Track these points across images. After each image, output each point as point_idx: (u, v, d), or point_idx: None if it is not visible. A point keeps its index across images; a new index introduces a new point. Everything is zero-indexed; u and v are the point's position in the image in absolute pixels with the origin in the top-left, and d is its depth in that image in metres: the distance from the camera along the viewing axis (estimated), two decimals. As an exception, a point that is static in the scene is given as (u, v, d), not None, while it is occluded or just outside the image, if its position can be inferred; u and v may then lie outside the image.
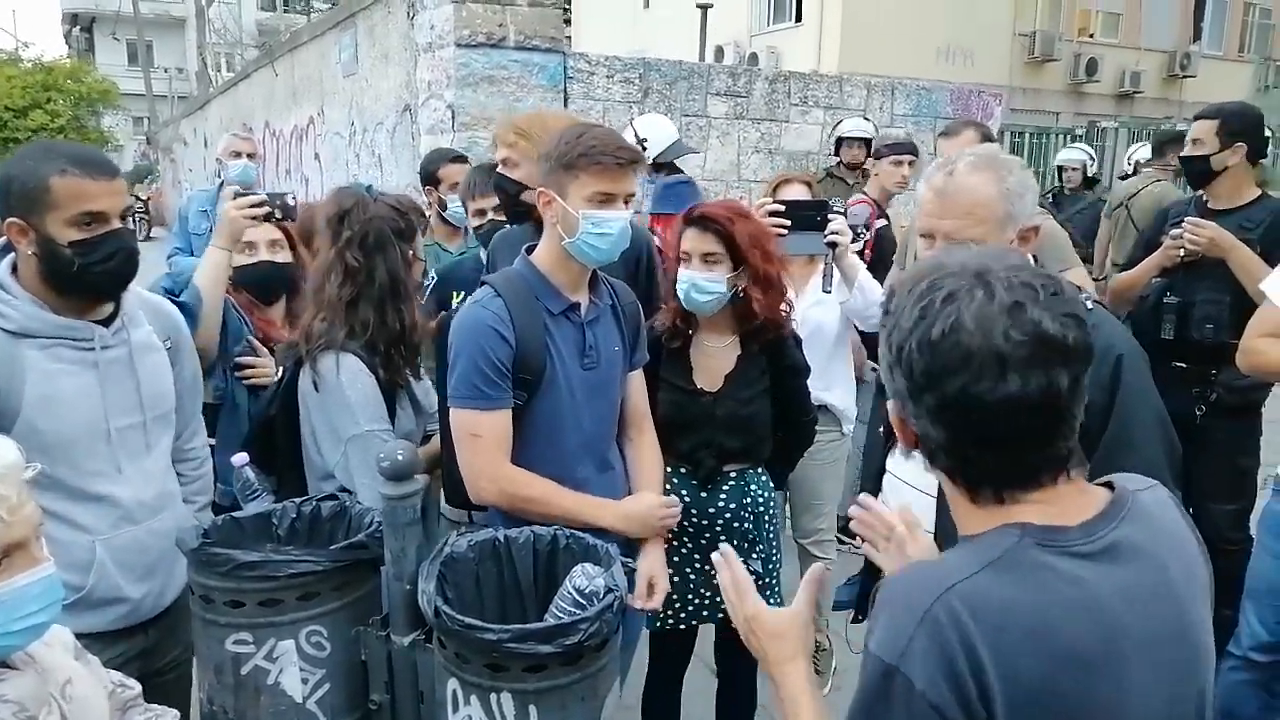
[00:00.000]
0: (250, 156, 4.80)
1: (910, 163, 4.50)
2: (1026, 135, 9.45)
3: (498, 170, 2.51)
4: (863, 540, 1.51)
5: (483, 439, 1.92)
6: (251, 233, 2.52)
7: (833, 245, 2.67)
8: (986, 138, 3.36)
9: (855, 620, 2.16)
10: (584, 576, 1.63)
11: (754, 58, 17.47)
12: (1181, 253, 3.06)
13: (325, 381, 2.06)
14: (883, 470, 1.92)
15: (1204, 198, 3.25)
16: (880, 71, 7.14)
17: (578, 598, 1.61)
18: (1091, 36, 19.52)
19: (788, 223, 2.63)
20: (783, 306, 2.34)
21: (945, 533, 1.70)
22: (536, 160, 2.19)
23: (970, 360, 0.92)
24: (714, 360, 2.34)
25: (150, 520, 1.87)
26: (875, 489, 1.93)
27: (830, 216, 2.67)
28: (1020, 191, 1.65)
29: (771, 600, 2.44)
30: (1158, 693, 0.94)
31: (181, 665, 1.99)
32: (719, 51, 17.66)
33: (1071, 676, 0.89)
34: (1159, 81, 19.79)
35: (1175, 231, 3.12)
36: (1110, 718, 0.91)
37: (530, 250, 2.02)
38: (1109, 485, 1.04)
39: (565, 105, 5.80)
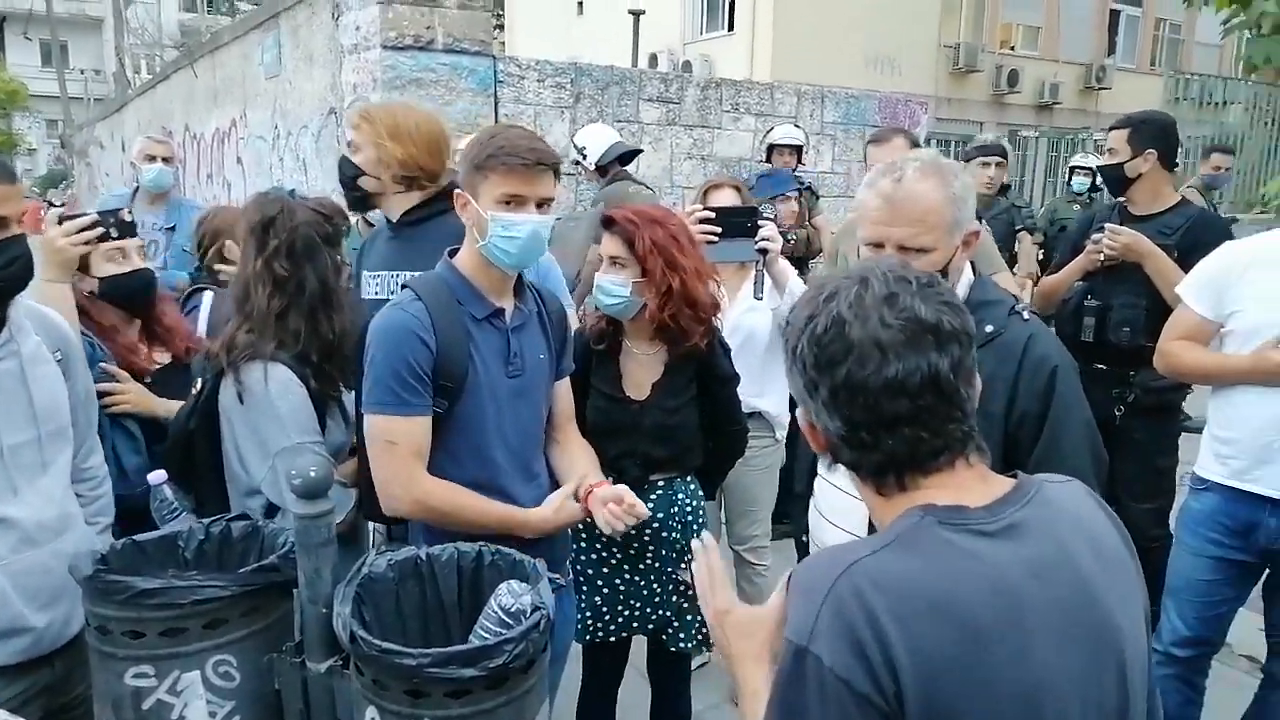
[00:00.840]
0: (166, 160, 4.61)
1: (998, 164, 4.69)
2: (952, 143, 9.68)
3: (343, 155, 2.43)
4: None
5: (398, 446, 1.84)
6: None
7: (764, 252, 2.65)
8: (914, 144, 3.40)
9: None
10: (509, 594, 1.57)
11: (687, 65, 17.55)
12: (1101, 257, 3.14)
13: (252, 393, 1.97)
14: (814, 474, 1.90)
15: (1125, 204, 3.34)
16: (811, 80, 7.20)
17: (503, 617, 1.54)
18: (1013, 49, 20.11)
19: (718, 230, 2.60)
20: (698, 317, 2.25)
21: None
22: (377, 146, 2.26)
23: (852, 348, 0.99)
24: (642, 368, 2.31)
25: (53, 542, 1.76)
26: (808, 491, 1.93)
27: (761, 223, 2.65)
28: (964, 196, 1.65)
29: (699, 605, 2.42)
30: (1068, 664, 0.96)
31: (90, 701, 1.87)
32: (652, 59, 17.71)
33: (973, 646, 0.91)
34: (1076, 93, 20.47)
35: (1096, 236, 3.20)
36: (1016, 686, 0.93)
37: (453, 254, 1.95)
38: (1013, 476, 1.08)
39: (495, 109, 5.72)
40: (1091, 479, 1.54)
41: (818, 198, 5.87)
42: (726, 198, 2.89)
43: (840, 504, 1.79)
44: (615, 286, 2.21)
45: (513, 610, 1.55)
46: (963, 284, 1.73)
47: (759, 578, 3.16)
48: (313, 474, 1.55)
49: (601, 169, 4.55)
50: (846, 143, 7.07)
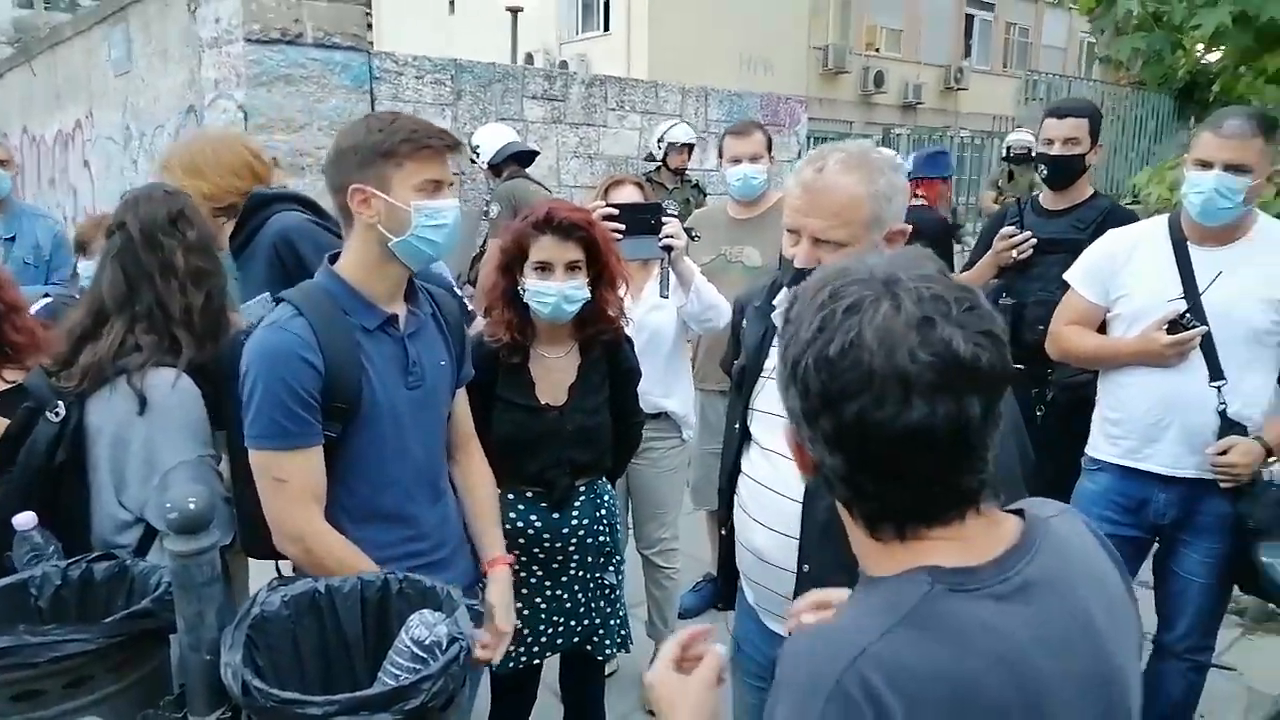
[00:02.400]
0: (3, 164, 4.18)
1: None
2: (824, 141, 9.90)
3: None
4: None
5: (288, 484, 1.66)
6: None
7: (668, 249, 2.58)
8: (769, 139, 3.40)
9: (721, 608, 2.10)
10: (422, 626, 1.43)
11: (564, 65, 17.44)
12: (1014, 254, 3.17)
13: (156, 403, 1.74)
14: (737, 470, 1.84)
15: (1038, 197, 3.35)
16: (687, 80, 7.22)
17: (417, 651, 1.41)
18: (877, 51, 20.89)
19: (622, 226, 2.52)
20: (619, 307, 2.24)
21: (810, 539, 1.64)
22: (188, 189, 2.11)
23: (871, 382, 0.81)
24: (555, 373, 2.18)
25: None
26: (730, 488, 1.86)
27: (665, 220, 2.58)
28: (889, 194, 1.59)
29: (621, 610, 2.33)
30: None
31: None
32: (529, 58, 17.50)
33: None
34: (938, 93, 21.44)
35: (1006, 230, 3.23)
36: None
37: (333, 259, 1.76)
38: (1019, 512, 0.95)
39: (372, 106, 5.47)
40: (1022, 484, 1.52)
41: (705, 195, 5.87)
42: (628, 194, 2.81)
43: (768, 503, 1.73)
44: (579, 292, 2.09)
45: (427, 643, 1.42)
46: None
47: (669, 581, 3.09)
48: (192, 506, 1.37)
49: (495, 168, 4.59)
50: (730, 141, 7.14)
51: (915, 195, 4.15)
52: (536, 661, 2.22)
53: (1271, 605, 3.48)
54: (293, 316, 1.65)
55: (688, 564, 3.39)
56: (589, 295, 2.11)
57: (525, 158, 4.70)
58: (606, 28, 18.29)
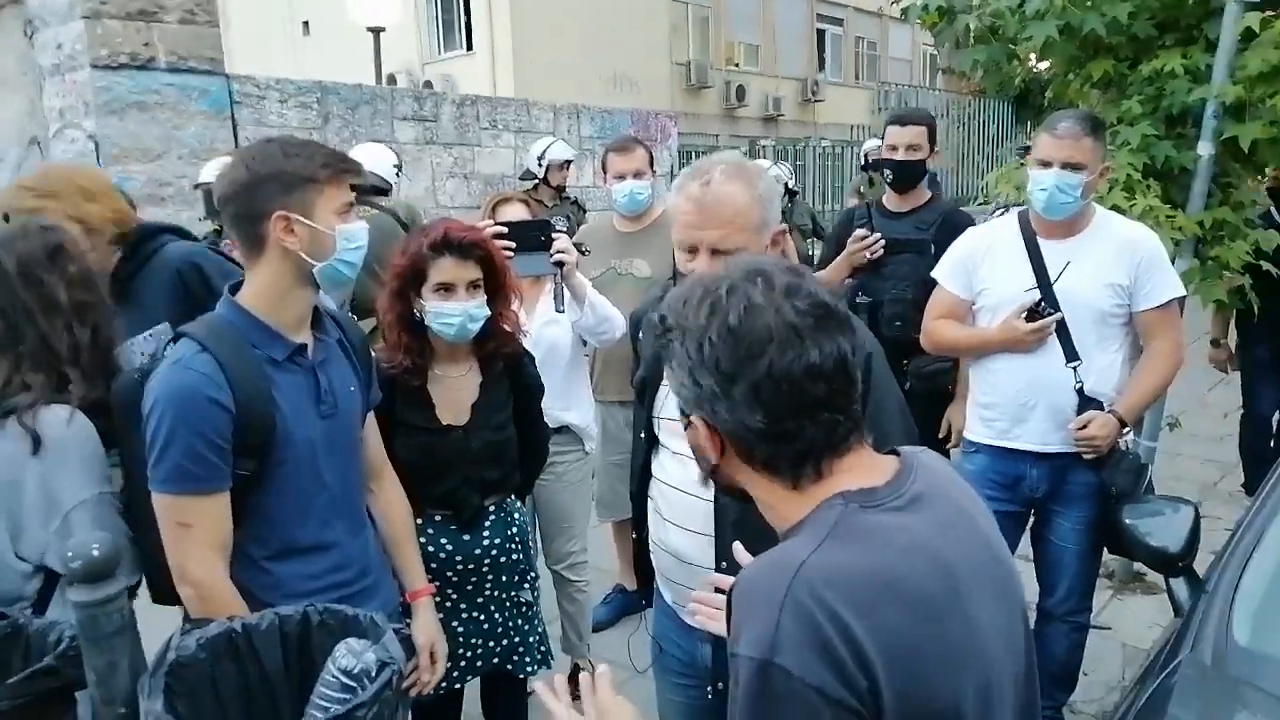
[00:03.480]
0: None
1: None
2: (693, 156, 10.14)
3: None
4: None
5: (192, 530, 1.60)
6: None
7: (560, 265, 2.62)
8: (650, 154, 3.51)
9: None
10: (350, 654, 1.41)
11: (429, 85, 17.20)
12: (867, 255, 3.37)
13: (51, 442, 1.65)
14: (648, 475, 1.89)
15: (882, 200, 3.57)
16: (555, 98, 7.28)
17: (346, 681, 1.39)
18: (737, 66, 21.52)
19: (513, 244, 2.54)
20: (513, 322, 2.26)
21: (725, 535, 1.70)
22: (79, 218, 2.07)
23: (771, 337, 0.97)
24: (456, 392, 2.18)
25: None
26: (641, 491, 1.91)
27: (555, 235, 2.61)
28: (770, 197, 1.68)
29: (539, 626, 2.34)
30: (996, 616, 1.00)
31: None
32: (391, 79, 17.15)
33: (930, 622, 0.92)
34: (797, 105, 22.24)
35: (860, 232, 3.44)
36: (969, 655, 0.95)
37: (234, 290, 1.71)
38: (893, 453, 1.10)
39: (235, 133, 5.28)
40: (905, 437, 1.64)
41: (585, 211, 5.93)
42: (516, 212, 2.82)
43: (682, 504, 1.78)
44: (481, 310, 2.10)
45: (355, 671, 1.40)
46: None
47: (580, 594, 3.10)
48: (95, 553, 1.32)
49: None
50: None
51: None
52: (458, 686, 2.20)
53: (1136, 566, 3.81)
54: (198, 353, 1.59)
55: (596, 576, 3.41)
56: (489, 313, 2.12)
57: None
58: (470, 47, 18.15)
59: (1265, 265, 3.74)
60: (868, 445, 1.07)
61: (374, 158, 4.37)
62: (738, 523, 1.63)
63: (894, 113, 3.69)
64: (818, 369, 0.97)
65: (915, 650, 0.90)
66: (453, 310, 2.07)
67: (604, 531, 3.78)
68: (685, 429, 1.10)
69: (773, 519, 1.08)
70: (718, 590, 1.41)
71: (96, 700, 1.33)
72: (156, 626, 1.60)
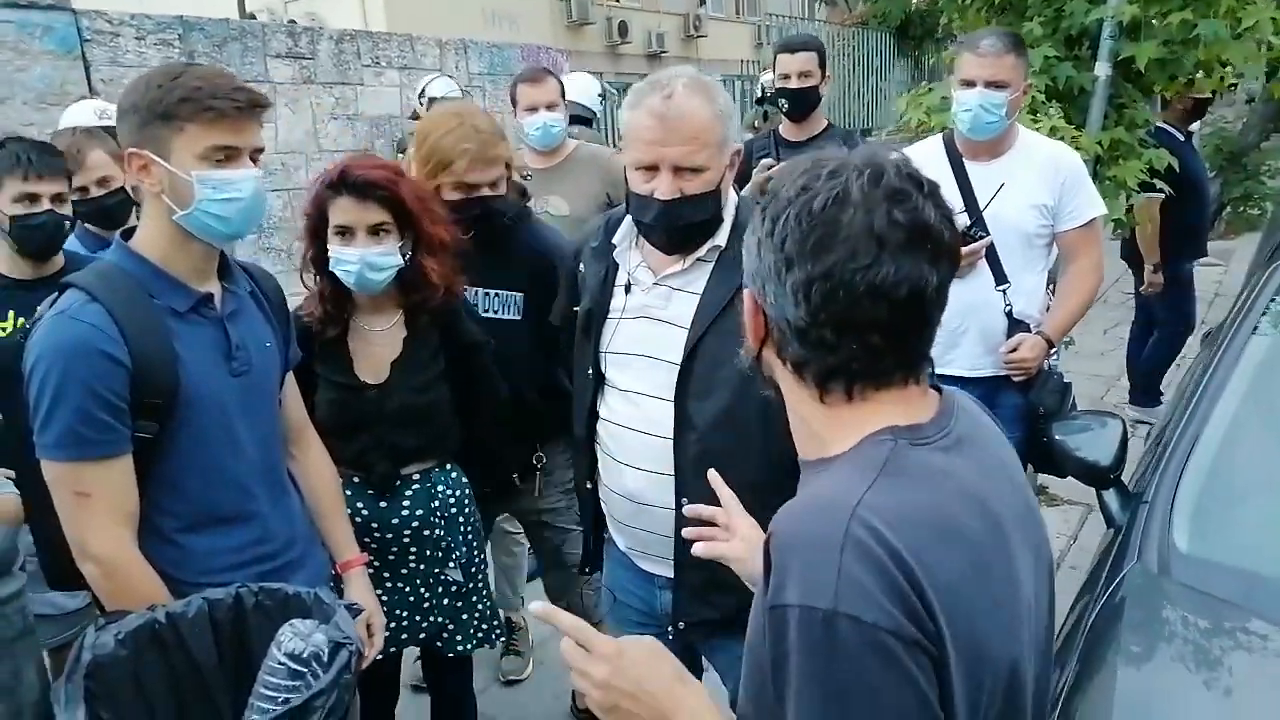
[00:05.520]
0: None
1: None
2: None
3: (488, 197, 2.18)
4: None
5: (91, 500, 1.42)
6: None
7: None
8: (563, 84, 3.34)
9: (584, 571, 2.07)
10: (296, 637, 1.28)
11: (293, 24, 16.18)
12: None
13: None
14: (594, 417, 1.79)
15: (778, 130, 3.51)
16: (431, 34, 6.88)
17: (294, 666, 1.26)
18: (618, 1, 21.05)
19: None
20: (443, 270, 2.05)
21: (685, 472, 1.61)
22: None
23: (849, 236, 0.86)
24: (377, 347, 2.00)
25: None
26: (589, 433, 1.81)
27: None
28: (729, 113, 1.59)
29: (479, 604, 2.20)
30: (1032, 567, 0.95)
31: None
32: (251, 18, 16.07)
33: (981, 568, 0.86)
34: (680, 41, 21.98)
35: (767, 162, 3.36)
36: (1012, 603, 0.90)
37: (127, 235, 1.52)
38: (935, 388, 1.01)
39: (87, 74, 4.76)
40: None
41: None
42: None
43: (634, 443, 1.70)
44: (385, 258, 1.90)
45: (304, 655, 1.27)
46: (729, 204, 1.68)
47: (516, 548, 3.00)
48: (-14, 548, 1.13)
49: None
50: (495, 94, 6.88)
51: None
52: (381, 656, 2.07)
53: (1040, 480, 3.96)
54: (86, 303, 1.40)
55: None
56: (401, 261, 1.93)
57: None
58: (337, -18, 17.11)
59: (1159, 184, 3.88)
60: (923, 383, 0.97)
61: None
62: (699, 459, 1.56)
63: (782, 41, 3.61)
64: (883, 289, 0.85)
65: (971, 599, 0.83)
66: (349, 256, 1.88)
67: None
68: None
69: (800, 435, 0.99)
70: (705, 523, 1.33)
71: (1, 715, 1.16)
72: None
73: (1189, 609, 1.72)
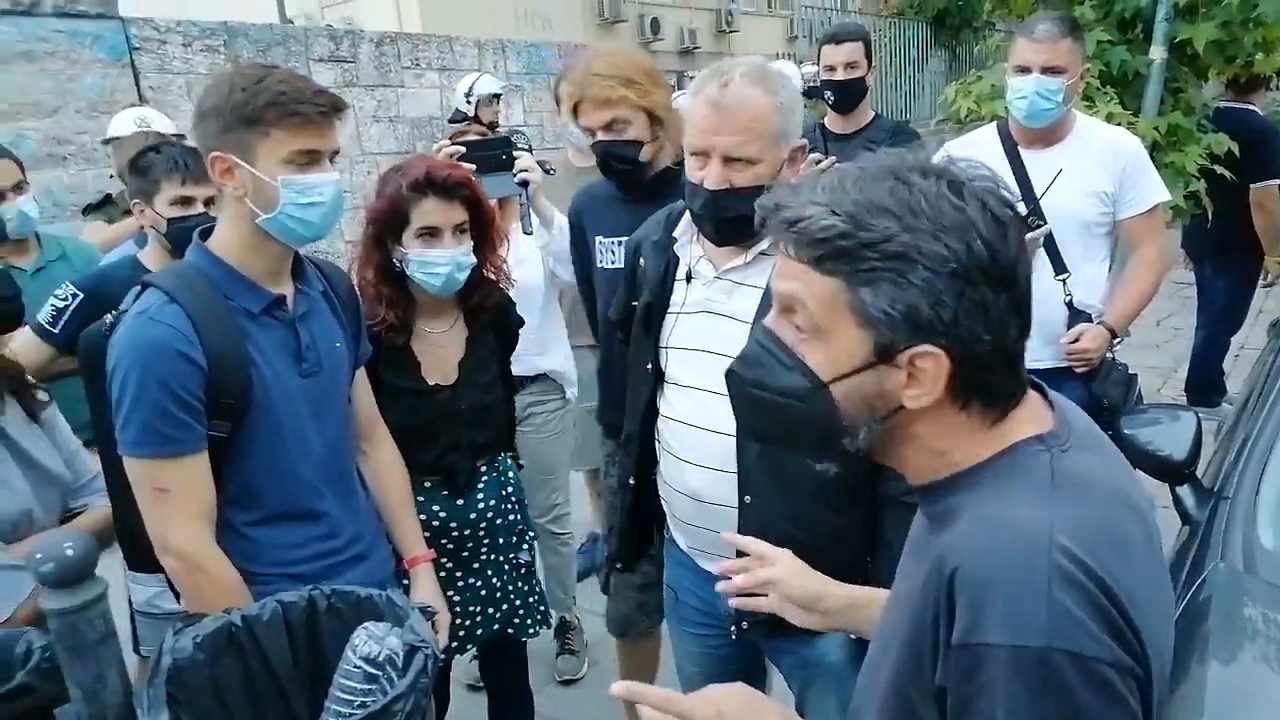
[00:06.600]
0: None
1: None
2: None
3: (604, 140, 2.16)
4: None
5: (170, 495, 1.46)
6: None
7: (524, 184, 2.42)
8: None
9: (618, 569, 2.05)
10: (371, 640, 1.27)
11: (331, 28, 16.37)
12: None
13: (45, 414, 1.63)
14: (653, 414, 1.77)
15: (824, 124, 3.45)
16: (465, 35, 6.91)
17: (369, 670, 1.25)
18: (650, -3, 21.02)
19: (474, 166, 2.33)
20: (498, 268, 2.07)
21: (748, 469, 1.59)
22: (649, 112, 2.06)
23: (1012, 243, 0.83)
24: (441, 349, 2.00)
25: None
26: (646, 435, 1.78)
27: (516, 153, 2.41)
28: (792, 107, 1.55)
29: (538, 586, 2.22)
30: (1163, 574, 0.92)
31: None
32: (289, 23, 16.28)
33: (1148, 572, 0.83)
34: (712, 36, 21.88)
35: (814, 156, 3.30)
36: (1169, 599, 0.88)
37: (205, 236, 1.54)
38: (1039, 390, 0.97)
39: (136, 82, 4.85)
40: None
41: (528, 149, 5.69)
42: (473, 132, 2.62)
43: (697, 441, 1.67)
44: (469, 258, 1.92)
45: (380, 658, 1.26)
46: (793, 199, 1.64)
47: (564, 548, 2.99)
48: (70, 552, 1.14)
49: None
50: (534, 93, 6.91)
51: None
52: (454, 658, 2.08)
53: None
54: (165, 304, 1.43)
55: (579, 532, 3.32)
56: (475, 261, 1.94)
57: None
58: (371, -13, 17.26)
59: (1219, 169, 3.76)
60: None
61: None
62: (761, 456, 1.55)
63: (827, 32, 3.57)
64: (1027, 304, 0.87)
65: (1148, 608, 0.79)
66: (439, 258, 1.87)
67: (575, 480, 3.65)
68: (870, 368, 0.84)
69: (929, 466, 0.90)
70: (739, 554, 1.31)
71: (84, 718, 1.17)
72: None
73: (1278, 607, 1.66)
